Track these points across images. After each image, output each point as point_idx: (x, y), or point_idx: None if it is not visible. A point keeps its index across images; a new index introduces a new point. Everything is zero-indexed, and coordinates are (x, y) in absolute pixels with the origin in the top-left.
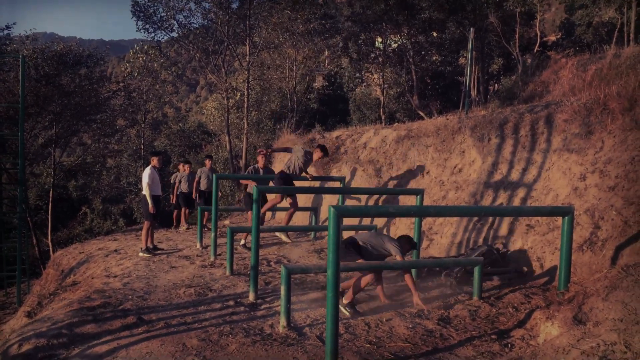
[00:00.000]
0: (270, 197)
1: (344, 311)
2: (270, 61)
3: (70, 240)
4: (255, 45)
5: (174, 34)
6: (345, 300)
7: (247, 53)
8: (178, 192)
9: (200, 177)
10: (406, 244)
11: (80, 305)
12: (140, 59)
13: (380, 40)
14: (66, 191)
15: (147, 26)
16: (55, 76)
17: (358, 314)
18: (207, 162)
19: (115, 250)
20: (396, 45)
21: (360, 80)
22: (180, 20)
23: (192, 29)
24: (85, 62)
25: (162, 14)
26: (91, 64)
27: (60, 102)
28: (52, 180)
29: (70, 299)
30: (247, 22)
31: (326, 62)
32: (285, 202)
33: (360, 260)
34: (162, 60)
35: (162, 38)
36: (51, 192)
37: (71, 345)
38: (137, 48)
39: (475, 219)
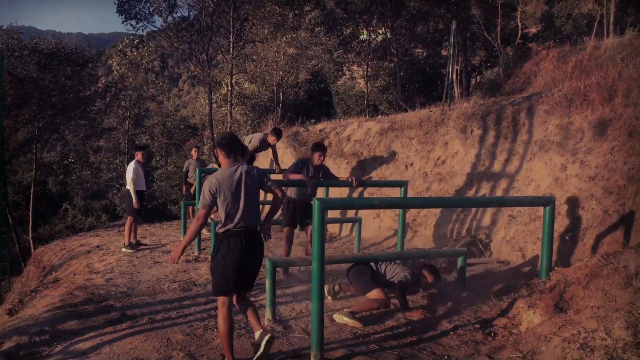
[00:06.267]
0: None
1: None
2: (255, 54)
3: (51, 236)
4: (242, 37)
5: (159, 24)
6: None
7: (230, 46)
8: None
9: (188, 170)
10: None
11: (62, 302)
12: (131, 54)
13: (365, 32)
14: (46, 187)
15: (130, 17)
16: (41, 74)
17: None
18: (194, 152)
19: (98, 246)
20: (380, 38)
21: (341, 74)
22: (163, 11)
23: (176, 21)
24: (86, 62)
25: (147, 5)
26: (80, 62)
27: (45, 98)
28: (33, 176)
29: (52, 296)
30: (232, 14)
31: (309, 55)
32: None
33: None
34: (152, 57)
35: (144, 30)
36: (32, 188)
37: (54, 342)
38: (127, 41)
39: (459, 210)
